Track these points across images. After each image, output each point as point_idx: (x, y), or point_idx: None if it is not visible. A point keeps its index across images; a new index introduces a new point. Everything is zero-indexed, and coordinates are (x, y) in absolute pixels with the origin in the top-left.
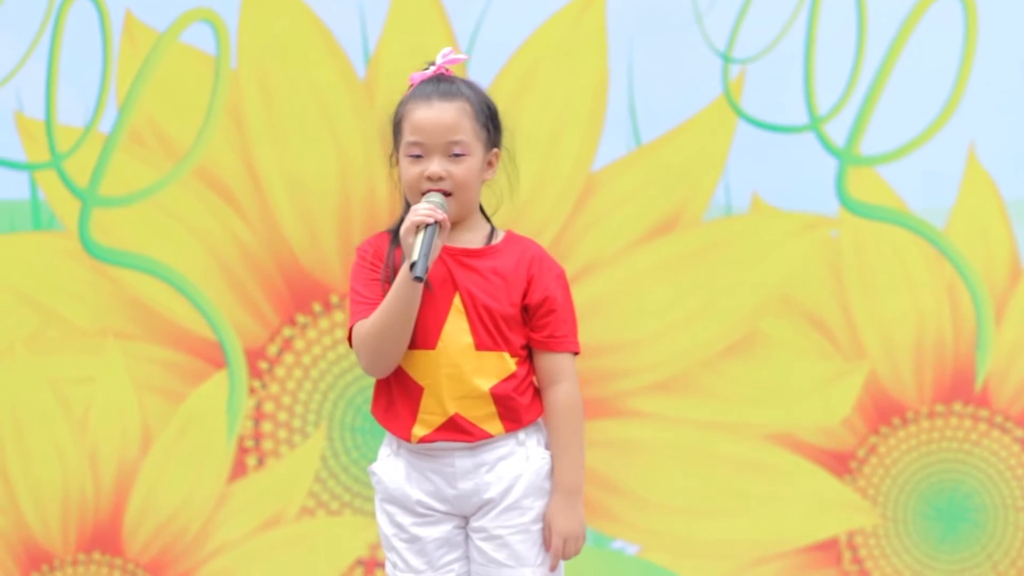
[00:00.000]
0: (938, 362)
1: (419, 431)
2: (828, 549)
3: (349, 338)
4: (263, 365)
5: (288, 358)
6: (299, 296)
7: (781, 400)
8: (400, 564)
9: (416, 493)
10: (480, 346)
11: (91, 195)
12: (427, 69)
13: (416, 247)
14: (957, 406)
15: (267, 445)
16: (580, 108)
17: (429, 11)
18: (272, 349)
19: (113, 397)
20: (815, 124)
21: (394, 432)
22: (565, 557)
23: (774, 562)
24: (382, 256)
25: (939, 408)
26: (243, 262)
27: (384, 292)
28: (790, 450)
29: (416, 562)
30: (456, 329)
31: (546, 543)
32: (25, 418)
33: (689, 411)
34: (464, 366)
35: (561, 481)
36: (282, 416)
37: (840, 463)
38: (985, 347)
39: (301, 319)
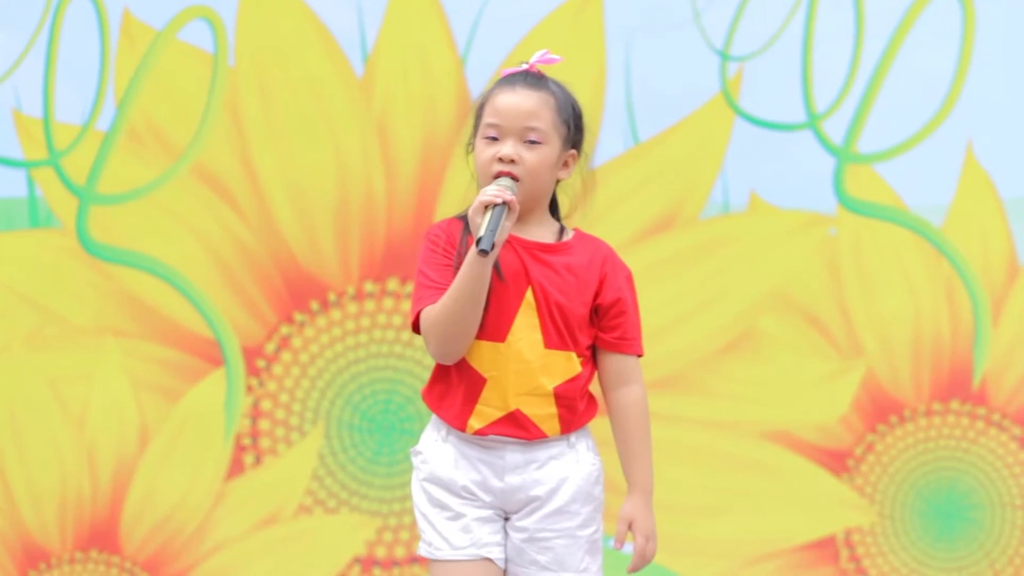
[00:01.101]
0: (936, 360)
1: (475, 423)
2: (825, 547)
3: (414, 323)
4: (261, 363)
5: (286, 356)
6: (297, 294)
7: (779, 398)
8: (437, 542)
9: (463, 480)
10: (549, 345)
11: (89, 193)
12: (520, 66)
13: (483, 224)
14: (954, 404)
15: (264, 443)
16: None
17: (427, 10)
18: (270, 347)
19: (111, 395)
20: (813, 122)
21: (447, 421)
22: (647, 557)
23: (771, 560)
24: (454, 243)
25: (936, 406)
26: (241, 260)
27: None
28: (787, 448)
29: (460, 539)
30: (526, 325)
31: (619, 539)
32: (23, 416)
33: (687, 409)
34: (533, 363)
35: (639, 481)
36: (280, 414)
37: (837, 461)
38: (983, 345)
39: (299, 317)
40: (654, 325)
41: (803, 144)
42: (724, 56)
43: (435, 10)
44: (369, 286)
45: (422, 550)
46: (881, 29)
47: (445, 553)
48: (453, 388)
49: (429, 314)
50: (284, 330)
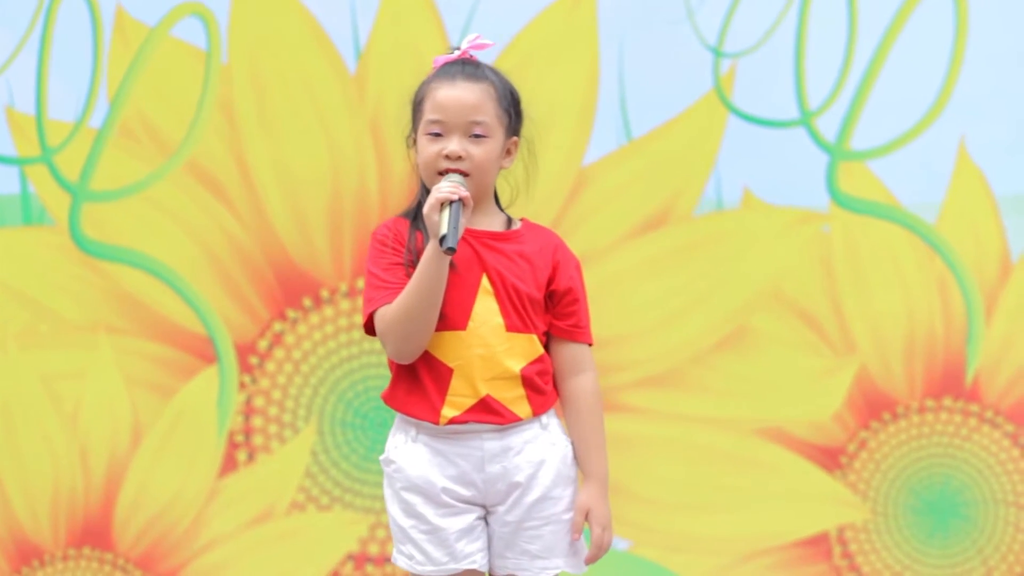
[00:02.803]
0: (928, 357)
1: (449, 412)
2: (818, 544)
3: (366, 324)
4: (253, 360)
5: (278, 353)
6: (289, 291)
7: (771, 395)
8: (418, 556)
9: (440, 480)
10: (511, 327)
11: (82, 190)
12: (452, 53)
13: (443, 222)
14: (947, 401)
15: (257, 440)
16: (571, 103)
17: (420, 6)
18: (262, 344)
19: (103, 392)
20: (806, 119)
21: (418, 416)
22: (604, 547)
23: (764, 557)
24: (403, 240)
25: (929, 403)
26: (234, 257)
27: (407, 276)
28: (780, 445)
29: (437, 553)
30: (486, 310)
31: (575, 529)
32: (15, 413)
33: (679, 406)
34: (496, 347)
35: (595, 470)
36: (272, 411)
37: (830, 458)
38: (975, 342)
39: (291, 314)
40: (647, 322)
41: (796, 141)
42: (717, 53)
43: (428, 6)
44: (362, 283)
45: (400, 562)
46: (874, 26)
47: (426, 568)
48: (420, 383)
49: (386, 314)
50: (277, 327)
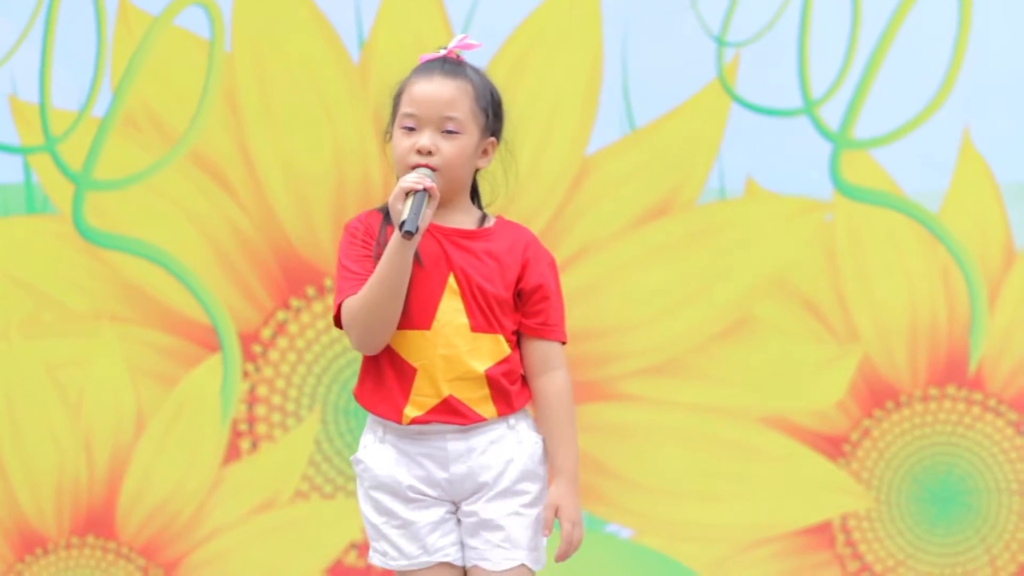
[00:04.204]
0: (932, 345)
1: (411, 412)
2: (822, 532)
3: (336, 316)
4: (257, 349)
5: (282, 342)
6: (293, 280)
7: (775, 384)
8: (391, 552)
9: (407, 479)
10: (476, 328)
11: (85, 179)
12: (439, 52)
13: (405, 209)
14: (951, 389)
15: (261, 429)
16: (574, 92)
17: None
18: (266, 333)
19: (107, 381)
20: (809, 108)
21: (383, 415)
22: (574, 543)
23: (768, 545)
24: (373, 233)
25: (932, 391)
26: (237, 246)
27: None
28: (784, 433)
29: (410, 548)
30: (451, 309)
31: (546, 525)
32: (19, 402)
33: (683, 395)
34: (460, 347)
35: (565, 467)
36: (276, 400)
37: (834, 446)
38: (979, 330)
39: (295, 303)
40: (650, 311)
41: (799, 130)
42: (720, 42)
43: None
44: None
45: (375, 559)
46: (878, 14)
47: (400, 563)
48: (385, 382)
49: (351, 305)
50: (280, 316)
